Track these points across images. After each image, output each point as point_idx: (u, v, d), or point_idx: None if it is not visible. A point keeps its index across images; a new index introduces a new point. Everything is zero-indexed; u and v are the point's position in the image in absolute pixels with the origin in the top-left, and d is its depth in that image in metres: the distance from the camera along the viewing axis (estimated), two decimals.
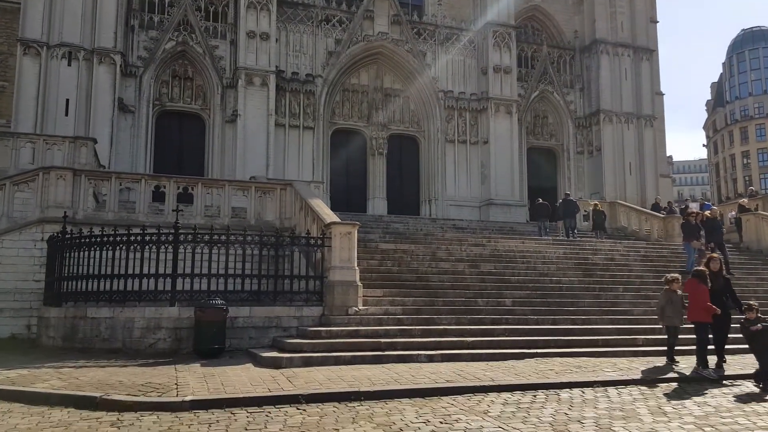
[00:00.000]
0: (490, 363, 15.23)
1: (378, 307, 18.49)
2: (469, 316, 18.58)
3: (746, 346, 14.66)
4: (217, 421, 9.98)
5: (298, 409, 10.81)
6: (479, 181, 46.50)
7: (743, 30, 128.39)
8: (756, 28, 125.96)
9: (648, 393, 12.54)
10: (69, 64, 38.47)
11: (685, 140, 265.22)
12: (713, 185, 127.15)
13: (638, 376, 13.93)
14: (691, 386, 13.39)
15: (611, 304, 21.26)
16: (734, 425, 10.03)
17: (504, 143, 46.59)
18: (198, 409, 10.67)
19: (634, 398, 12.03)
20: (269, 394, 11.39)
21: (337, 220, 19.28)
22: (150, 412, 10.47)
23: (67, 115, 37.73)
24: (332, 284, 17.87)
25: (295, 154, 42.86)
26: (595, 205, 36.52)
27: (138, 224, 19.88)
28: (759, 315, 14.13)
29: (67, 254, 18.62)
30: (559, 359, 15.89)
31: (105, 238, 17.67)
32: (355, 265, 18.49)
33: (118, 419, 10.09)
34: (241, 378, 12.83)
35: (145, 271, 17.16)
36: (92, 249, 17.87)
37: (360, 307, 17.99)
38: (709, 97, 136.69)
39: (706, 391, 12.82)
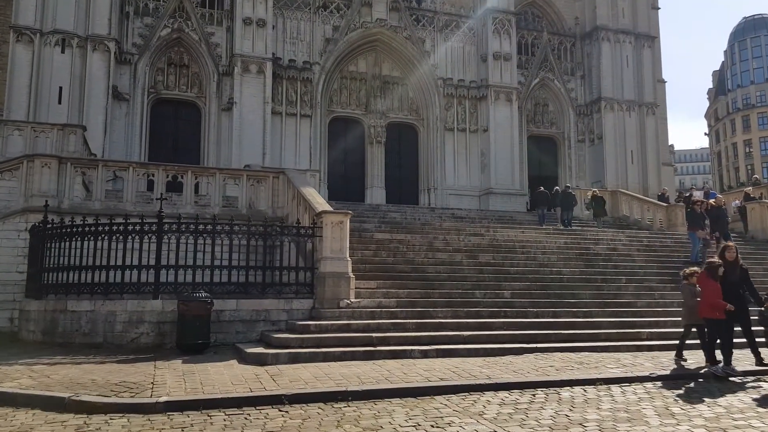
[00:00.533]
0: (488, 359, 14.51)
1: (371, 299, 17.76)
2: (466, 309, 17.83)
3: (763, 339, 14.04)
4: (192, 425, 9.26)
5: (280, 411, 10.09)
6: (479, 169, 45.86)
7: (745, 18, 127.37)
8: (758, 16, 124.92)
9: (654, 392, 11.83)
10: (62, 52, 37.90)
11: (687, 129, 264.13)
12: (715, 174, 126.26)
13: (643, 372, 13.19)
14: (699, 384, 12.67)
15: (613, 296, 20.56)
16: (748, 428, 9.32)
17: (504, 131, 45.91)
18: (172, 411, 9.96)
19: (640, 398, 11.31)
20: (250, 394, 10.67)
21: (329, 208, 18.59)
22: (120, 415, 9.76)
23: (60, 103, 37.19)
24: (323, 276, 17.14)
25: (292, 142, 42.22)
26: (594, 192, 36.04)
27: (126, 214, 19.11)
28: None
29: (49, 245, 17.90)
30: (559, 354, 15.20)
31: (86, 228, 16.94)
32: (347, 255, 17.75)
33: (85, 423, 9.37)
34: (223, 376, 12.11)
35: (128, 262, 16.44)
36: (73, 239, 17.14)
37: (352, 300, 17.26)
38: (711, 86, 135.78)
39: (715, 390, 12.10)
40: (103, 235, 16.74)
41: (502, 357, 14.76)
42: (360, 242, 22.42)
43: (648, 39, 52.29)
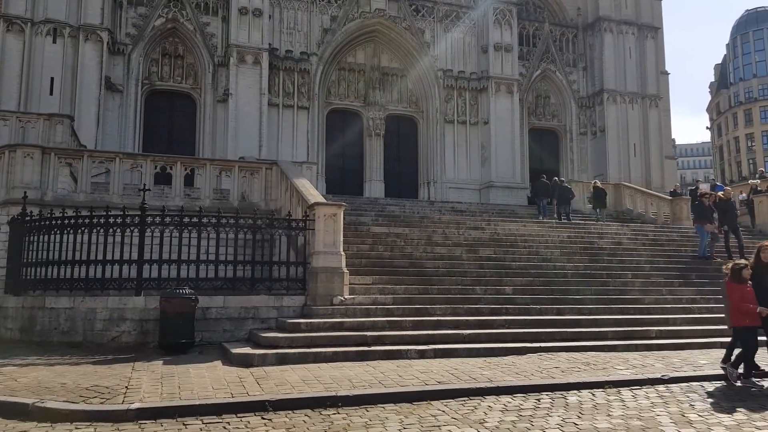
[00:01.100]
0: (489, 359, 13.66)
1: (366, 296, 16.88)
2: (465, 306, 16.95)
3: None
4: None
5: (263, 418, 9.26)
6: (479, 163, 45.09)
7: (747, 11, 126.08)
8: (761, 9, 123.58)
9: (667, 395, 11.00)
10: (54, 41, 37.23)
11: (688, 124, 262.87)
12: (717, 168, 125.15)
13: (654, 374, 12.34)
14: (714, 387, 11.82)
15: (620, 292, 19.65)
16: None
17: (505, 124, 45.15)
18: (145, 418, 9.13)
19: (652, 402, 10.49)
20: (231, 400, 9.83)
21: (322, 200, 17.70)
22: (87, 423, 8.93)
23: (52, 94, 36.57)
24: (316, 271, 16.25)
25: (289, 135, 41.49)
26: (595, 183, 35.42)
27: (112, 206, 18.19)
28: None
29: (28, 238, 17.04)
30: (564, 354, 14.35)
31: (66, 221, 16.09)
32: (341, 249, 16.85)
33: None
34: (204, 379, 11.26)
35: (110, 256, 15.58)
36: (53, 232, 16.27)
37: (346, 296, 16.38)
38: (713, 79, 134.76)
39: (733, 394, 11.27)
40: (83, 228, 15.88)
41: (504, 357, 13.92)
42: (356, 236, 21.60)
43: (651, 30, 51.49)
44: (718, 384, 12.03)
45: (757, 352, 12.32)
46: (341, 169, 43.62)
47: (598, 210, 33.52)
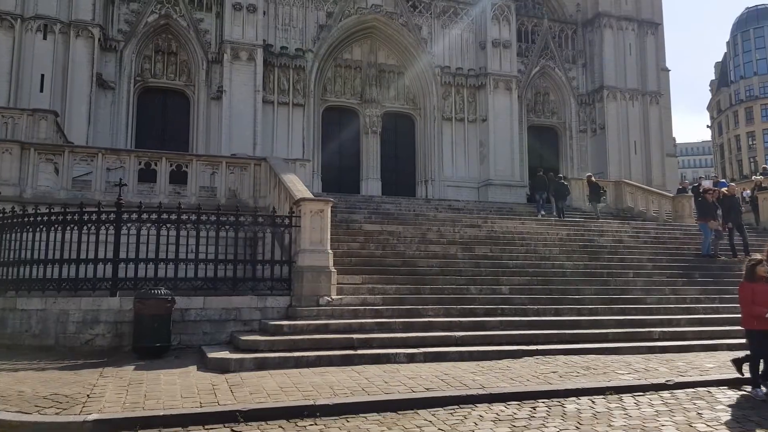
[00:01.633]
0: (482, 363, 12.86)
1: (355, 296, 16.06)
2: (459, 307, 16.14)
3: None
4: None
5: (232, 430, 8.49)
6: (478, 160, 44.27)
7: (748, 8, 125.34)
8: (761, 6, 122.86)
9: (672, 403, 10.22)
10: (44, 38, 36.45)
11: (689, 122, 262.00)
12: (717, 167, 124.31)
13: (658, 379, 11.55)
14: (723, 393, 11.03)
15: (621, 291, 18.85)
16: None
17: (503, 121, 44.30)
18: (102, 431, 8.35)
19: (657, 411, 9.72)
20: (199, 409, 9.04)
21: (309, 195, 16.88)
22: None
23: (42, 91, 35.77)
24: (301, 270, 15.44)
25: (285, 132, 40.73)
26: (589, 177, 35.01)
27: (94, 203, 17.40)
28: None
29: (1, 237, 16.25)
30: (563, 358, 13.55)
31: (38, 218, 15.29)
32: (329, 247, 16.02)
33: None
34: (174, 387, 10.45)
35: (85, 255, 14.79)
36: (25, 230, 15.47)
37: (333, 297, 15.57)
38: (713, 78, 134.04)
39: (743, 401, 10.49)
40: (56, 226, 15.07)
41: (498, 361, 13.11)
42: (347, 234, 20.86)
43: (651, 26, 50.69)
44: (727, 390, 11.24)
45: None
46: (338, 168, 42.78)
47: (592, 204, 32.87)
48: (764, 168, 47.30)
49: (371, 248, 19.97)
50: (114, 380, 10.96)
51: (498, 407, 9.80)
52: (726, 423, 9.07)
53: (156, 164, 21.66)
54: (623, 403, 10.15)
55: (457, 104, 45.07)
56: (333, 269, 15.91)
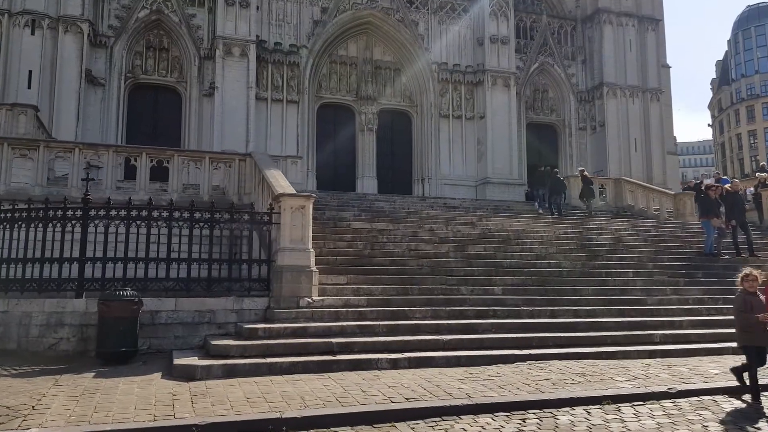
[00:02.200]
0: (470, 369, 11.99)
1: (338, 297, 15.16)
2: (448, 308, 15.25)
3: None
4: None
5: None
6: (475, 158, 43.42)
7: (749, 6, 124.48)
8: (762, 4, 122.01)
9: (675, 414, 9.36)
10: (32, 33, 35.62)
11: (689, 121, 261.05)
12: (718, 166, 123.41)
13: (659, 387, 10.67)
14: (729, 402, 10.17)
15: (620, 292, 17.99)
16: None
17: (501, 118, 43.41)
18: None
19: (658, 423, 8.86)
20: (150, 424, 8.15)
21: (291, 191, 15.99)
22: None
23: (30, 87, 34.95)
24: (280, 270, 14.55)
25: (279, 130, 39.88)
26: (581, 171, 34.24)
27: (71, 200, 16.56)
28: None
29: None
30: (557, 363, 12.67)
31: (0, 215, 14.42)
32: (310, 246, 15.13)
33: None
34: (130, 397, 9.56)
35: (49, 254, 13.92)
36: None
37: (314, 298, 14.68)
38: (714, 76, 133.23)
39: (752, 412, 9.63)
40: (20, 223, 14.22)
41: (488, 367, 12.24)
42: (335, 232, 20.03)
43: (652, 22, 49.83)
44: (734, 399, 10.37)
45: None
46: (333, 166, 41.92)
47: (584, 199, 32.23)
48: (762, 165, 46.46)
49: (359, 247, 19.11)
50: (68, 389, 10.08)
51: (484, 419, 8.94)
52: None
53: (136, 160, 20.84)
54: (622, 415, 9.29)
55: (454, 101, 44.22)
56: (315, 269, 15.04)
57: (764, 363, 10.42)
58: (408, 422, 8.74)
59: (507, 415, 9.14)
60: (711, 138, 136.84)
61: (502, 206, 33.44)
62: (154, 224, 14.23)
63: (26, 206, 14.44)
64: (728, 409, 9.70)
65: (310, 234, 15.26)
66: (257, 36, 39.36)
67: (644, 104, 48.04)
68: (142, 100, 39.40)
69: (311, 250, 15.14)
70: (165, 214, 14.30)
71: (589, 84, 48.50)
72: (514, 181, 42.37)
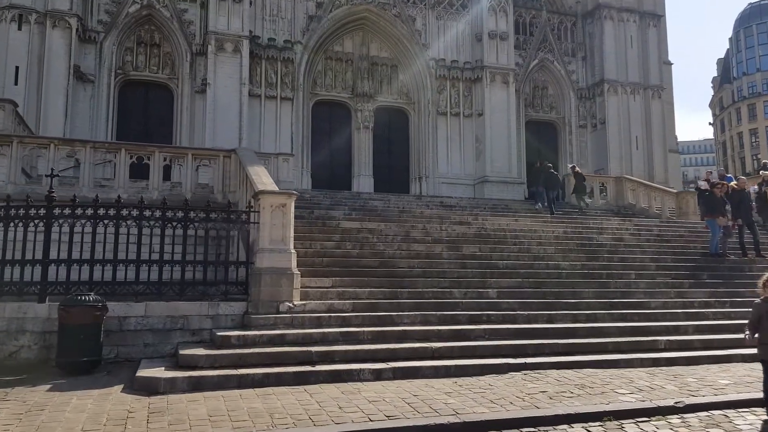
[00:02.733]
0: (460, 380, 11.07)
1: (321, 301, 14.21)
2: (439, 313, 14.34)
3: None
4: None
5: None
6: (473, 156, 42.48)
7: (750, 3, 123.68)
8: (764, 1, 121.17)
9: None
10: (19, 28, 34.65)
11: (690, 120, 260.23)
12: (720, 165, 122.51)
13: (666, 401, 9.77)
14: (742, 417, 9.26)
15: (622, 294, 17.08)
16: None
17: (500, 116, 42.47)
18: None
19: None
20: None
21: (272, 188, 15.07)
22: None
23: (16, 84, 33.97)
24: (259, 272, 13.61)
25: (272, 127, 38.92)
26: (573, 167, 33.81)
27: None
28: None
29: None
30: (555, 373, 11.75)
31: None
32: (291, 246, 14.19)
33: None
34: (80, 415, 8.59)
35: (10, 256, 12.98)
36: None
37: (295, 303, 13.73)
38: (715, 74, 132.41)
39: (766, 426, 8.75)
40: None
41: (480, 377, 11.32)
42: (323, 231, 19.12)
43: (653, 18, 48.88)
44: (747, 413, 9.47)
45: None
46: (328, 164, 41.01)
47: (577, 197, 31.55)
48: (765, 163, 45.62)
49: (347, 247, 18.20)
50: (14, 405, 9.13)
51: None
52: None
53: (115, 156, 19.90)
54: None
55: (452, 98, 43.28)
56: (296, 271, 14.09)
57: None
58: None
59: None
60: (712, 137, 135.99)
61: (500, 205, 32.59)
62: (123, 223, 13.28)
63: None
64: (742, 427, 8.78)
65: (292, 234, 14.33)
66: (250, 31, 38.45)
67: (645, 101, 47.11)
68: (132, 96, 38.48)
69: (293, 251, 14.21)
70: (135, 212, 13.35)
71: (589, 81, 47.55)
72: (513, 180, 41.47)
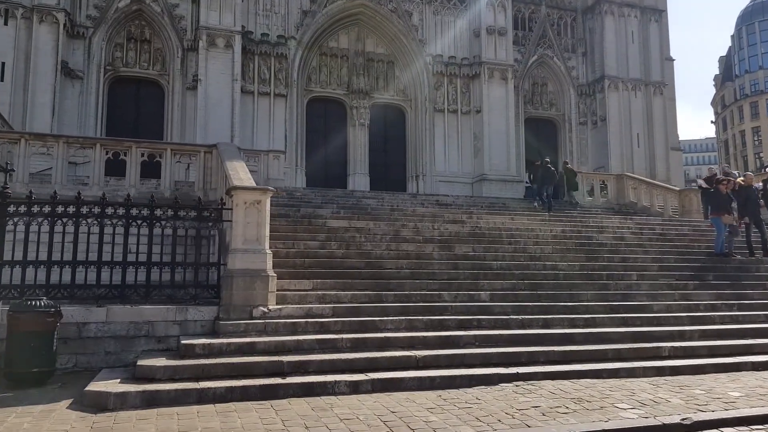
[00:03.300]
0: (445, 393, 10.08)
1: (299, 306, 13.21)
2: (426, 318, 13.31)
3: None
4: None
5: None
6: (471, 154, 41.67)
7: (753, 0, 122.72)
8: None
9: None
10: (5, 23, 34.01)
11: (692, 119, 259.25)
12: (722, 163, 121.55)
13: (672, 417, 8.79)
14: None
15: (623, 297, 16.09)
16: None
17: (499, 113, 41.66)
18: None
19: None
20: None
21: (248, 184, 14.10)
22: None
23: (2, 80, 33.26)
24: (231, 274, 12.62)
25: (266, 124, 38.19)
26: (565, 163, 33.57)
27: (15, 196, 14.69)
28: None
29: None
30: (550, 384, 10.76)
31: None
32: (267, 247, 13.20)
33: None
34: None
35: None
36: None
37: (270, 307, 12.73)
38: (717, 72, 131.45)
39: None
40: None
41: (467, 390, 10.32)
42: (308, 231, 18.15)
43: (655, 13, 48.01)
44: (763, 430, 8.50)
45: None
46: (323, 162, 40.16)
47: (569, 194, 31.33)
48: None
49: (332, 247, 17.22)
50: None
51: None
52: None
53: (92, 152, 18.95)
54: None
55: (449, 95, 42.53)
56: (272, 273, 13.09)
57: None
58: None
59: None
60: (714, 135, 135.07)
61: (497, 203, 31.66)
62: (83, 222, 12.30)
63: None
64: None
65: (267, 233, 13.33)
66: (243, 27, 37.71)
67: (647, 98, 46.25)
68: (122, 93, 37.72)
69: (269, 251, 13.22)
70: (96, 210, 12.37)
71: (589, 77, 46.71)
72: (512, 178, 40.64)
